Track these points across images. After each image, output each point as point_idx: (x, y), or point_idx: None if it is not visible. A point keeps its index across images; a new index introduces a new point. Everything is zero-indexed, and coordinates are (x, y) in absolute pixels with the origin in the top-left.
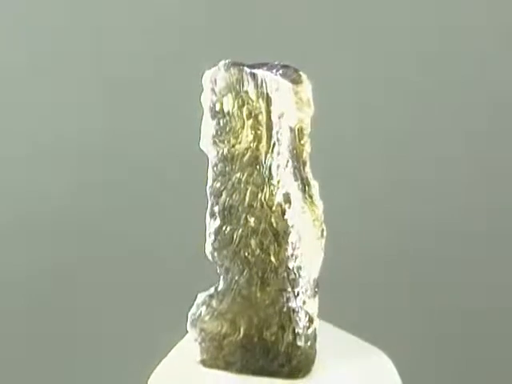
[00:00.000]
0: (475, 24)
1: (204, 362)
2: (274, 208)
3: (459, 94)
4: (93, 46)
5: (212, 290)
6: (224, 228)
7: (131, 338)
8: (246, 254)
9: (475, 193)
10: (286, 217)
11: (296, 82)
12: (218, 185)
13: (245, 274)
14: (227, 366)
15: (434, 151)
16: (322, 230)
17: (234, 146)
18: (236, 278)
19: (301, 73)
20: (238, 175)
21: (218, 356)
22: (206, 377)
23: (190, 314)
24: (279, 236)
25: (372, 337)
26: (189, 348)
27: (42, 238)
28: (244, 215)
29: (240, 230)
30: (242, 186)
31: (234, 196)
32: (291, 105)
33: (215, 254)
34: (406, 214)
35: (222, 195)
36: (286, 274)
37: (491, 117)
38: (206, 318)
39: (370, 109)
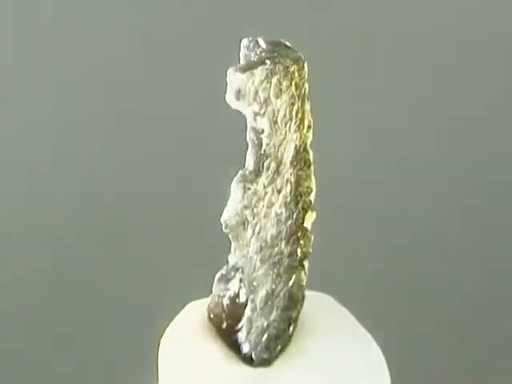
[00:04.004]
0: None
1: (210, 314)
2: None
3: (461, 94)
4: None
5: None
6: None
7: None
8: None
9: (476, 195)
10: None
11: (237, 69)
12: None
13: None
14: (219, 327)
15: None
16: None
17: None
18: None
19: (258, 66)
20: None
21: (221, 314)
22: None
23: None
24: None
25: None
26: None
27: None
28: None
29: None
30: None
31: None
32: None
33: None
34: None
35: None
36: None
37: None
38: (230, 275)
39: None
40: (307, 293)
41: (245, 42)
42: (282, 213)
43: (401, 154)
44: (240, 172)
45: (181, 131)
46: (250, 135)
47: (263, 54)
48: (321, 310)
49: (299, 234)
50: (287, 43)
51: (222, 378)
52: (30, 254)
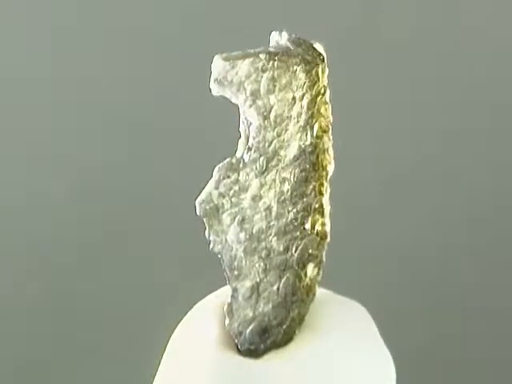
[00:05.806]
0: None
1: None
2: None
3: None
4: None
5: None
6: None
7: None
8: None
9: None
10: None
11: (222, 56)
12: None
13: None
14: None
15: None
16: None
17: None
18: None
19: (246, 58)
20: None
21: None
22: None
23: None
24: None
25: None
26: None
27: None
28: None
29: None
30: None
31: None
32: None
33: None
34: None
35: None
36: None
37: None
38: None
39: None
40: (335, 297)
41: (273, 34)
42: (272, 209)
43: (402, 155)
44: (226, 160)
45: (183, 129)
46: (241, 125)
47: (271, 48)
48: (341, 314)
49: (297, 234)
50: (315, 44)
51: (207, 361)
52: (31, 254)
